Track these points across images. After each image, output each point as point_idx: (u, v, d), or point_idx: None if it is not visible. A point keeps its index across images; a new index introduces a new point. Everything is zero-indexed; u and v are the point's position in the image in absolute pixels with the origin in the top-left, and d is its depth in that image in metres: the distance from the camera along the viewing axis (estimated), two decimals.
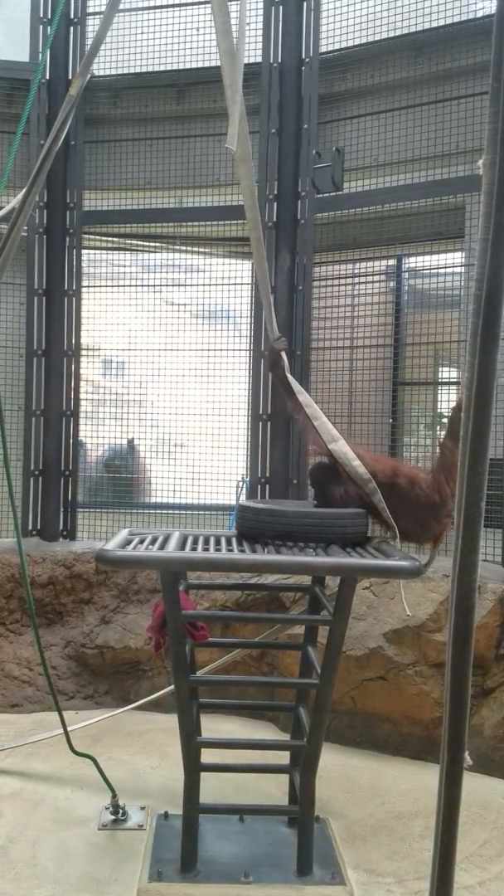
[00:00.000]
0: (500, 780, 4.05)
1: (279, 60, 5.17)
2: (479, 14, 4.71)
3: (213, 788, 3.41)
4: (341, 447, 3.28)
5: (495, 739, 4.11)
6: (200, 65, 5.40)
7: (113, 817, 3.55)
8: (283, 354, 3.62)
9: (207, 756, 3.19)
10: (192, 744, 3.09)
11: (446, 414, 5.26)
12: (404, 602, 3.98)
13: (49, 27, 5.43)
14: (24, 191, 3.32)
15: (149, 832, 3.43)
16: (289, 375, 3.55)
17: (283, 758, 3.54)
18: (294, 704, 3.53)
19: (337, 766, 4.18)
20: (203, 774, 3.14)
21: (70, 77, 5.43)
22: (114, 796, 3.56)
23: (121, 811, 3.56)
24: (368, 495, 3.20)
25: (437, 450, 3.53)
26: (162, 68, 5.48)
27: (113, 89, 5.61)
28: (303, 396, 3.46)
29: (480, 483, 1.51)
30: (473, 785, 3.68)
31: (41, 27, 5.52)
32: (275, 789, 3.77)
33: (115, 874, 3.13)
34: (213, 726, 4.29)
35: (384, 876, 3.18)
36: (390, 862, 3.29)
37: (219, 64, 3.07)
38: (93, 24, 5.50)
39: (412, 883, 3.13)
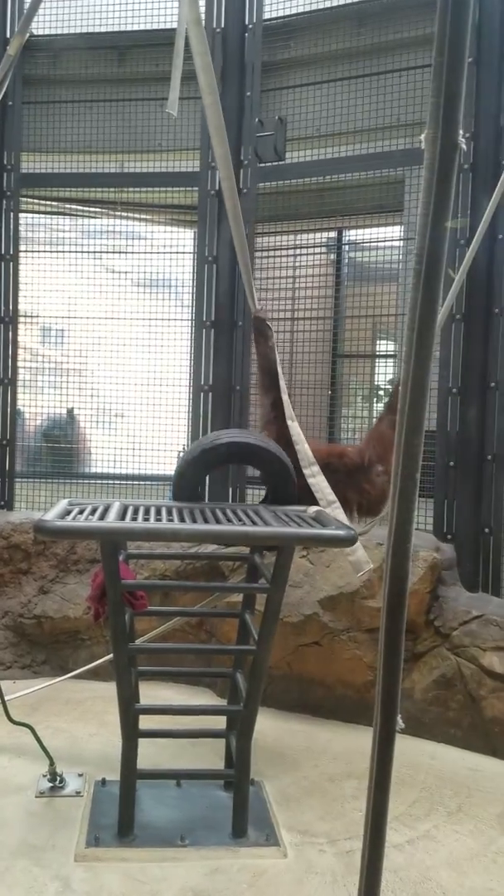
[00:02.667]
0: (428, 742, 4.20)
1: (222, 26, 5.10)
2: None
3: (150, 755, 3.44)
4: (296, 427, 3.43)
5: (425, 702, 4.24)
6: (142, 27, 5.28)
7: (50, 785, 3.56)
8: (270, 324, 3.66)
9: (145, 722, 3.22)
10: (130, 711, 3.12)
11: (384, 386, 5.34)
12: (353, 568, 3.85)
13: None
14: None
15: (86, 799, 3.46)
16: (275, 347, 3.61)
17: (221, 723, 3.60)
18: (231, 671, 3.59)
19: (273, 730, 4.27)
20: (141, 741, 3.17)
21: (8, 36, 5.26)
22: (51, 764, 3.57)
23: (58, 778, 3.57)
24: (311, 476, 3.31)
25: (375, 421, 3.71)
26: (103, 29, 5.35)
27: (52, 49, 5.44)
28: (279, 370, 3.58)
29: (416, 455, 1.55)
30: (403, 746, 3.77)
31: None
32: (212, 754, 3.83)
33: (52, 840, 3.15)
34: (152, 693, 4.33)
35: (317, 836, 3.27)
36: (323, 822, 3.39)
37: (161, 27, 3.01)
38: None
39: (344, 842, 3.22)
